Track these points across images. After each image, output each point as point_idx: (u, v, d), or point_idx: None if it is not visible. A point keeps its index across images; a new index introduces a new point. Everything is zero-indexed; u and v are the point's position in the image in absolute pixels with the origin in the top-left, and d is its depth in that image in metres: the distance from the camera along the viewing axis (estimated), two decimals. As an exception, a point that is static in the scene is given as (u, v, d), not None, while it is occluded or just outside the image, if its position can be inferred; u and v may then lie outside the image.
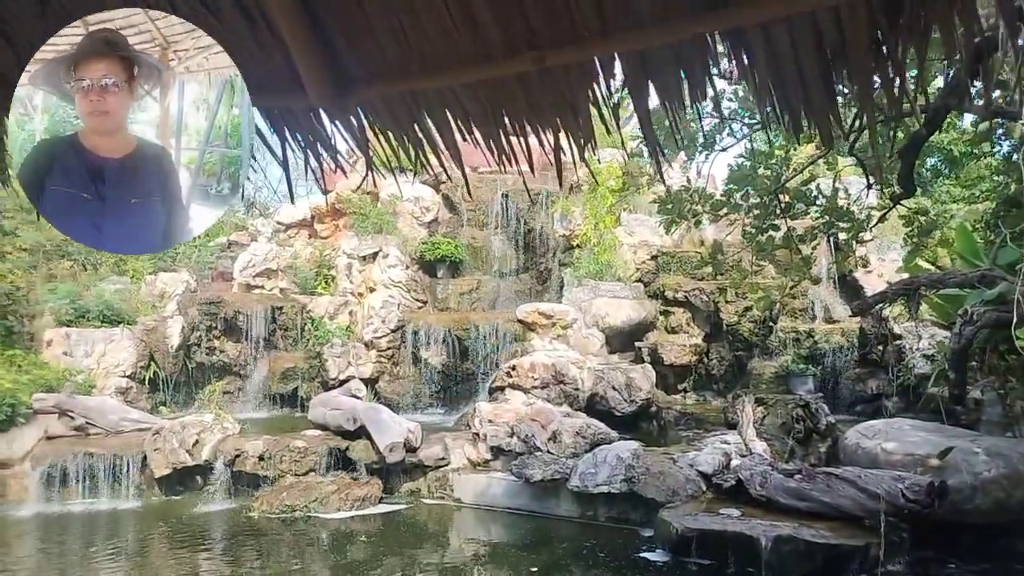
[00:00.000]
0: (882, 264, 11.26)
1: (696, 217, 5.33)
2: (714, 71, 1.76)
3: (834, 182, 5.27)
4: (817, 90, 1.67)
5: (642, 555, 6.52)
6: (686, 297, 10.20)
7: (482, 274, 12.79)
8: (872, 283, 11.01)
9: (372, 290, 11.98)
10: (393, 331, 11.39)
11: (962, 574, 5.97)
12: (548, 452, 8.10)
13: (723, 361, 10.20)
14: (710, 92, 1.76)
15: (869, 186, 4.89)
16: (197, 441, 8.67)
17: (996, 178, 6.61)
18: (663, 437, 9.05)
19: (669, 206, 5.29)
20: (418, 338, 11.15)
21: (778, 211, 4.92)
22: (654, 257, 10.94)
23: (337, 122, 2.17)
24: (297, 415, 11.32)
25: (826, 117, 1.71)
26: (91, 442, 8.85)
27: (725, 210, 5.16)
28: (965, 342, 3.74)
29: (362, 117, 2.15)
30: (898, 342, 10.08)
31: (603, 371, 9.49)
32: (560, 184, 2.87)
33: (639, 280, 10.63)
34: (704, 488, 7.20)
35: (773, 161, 4.98)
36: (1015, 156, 6.02)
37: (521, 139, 2.11)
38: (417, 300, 12.28)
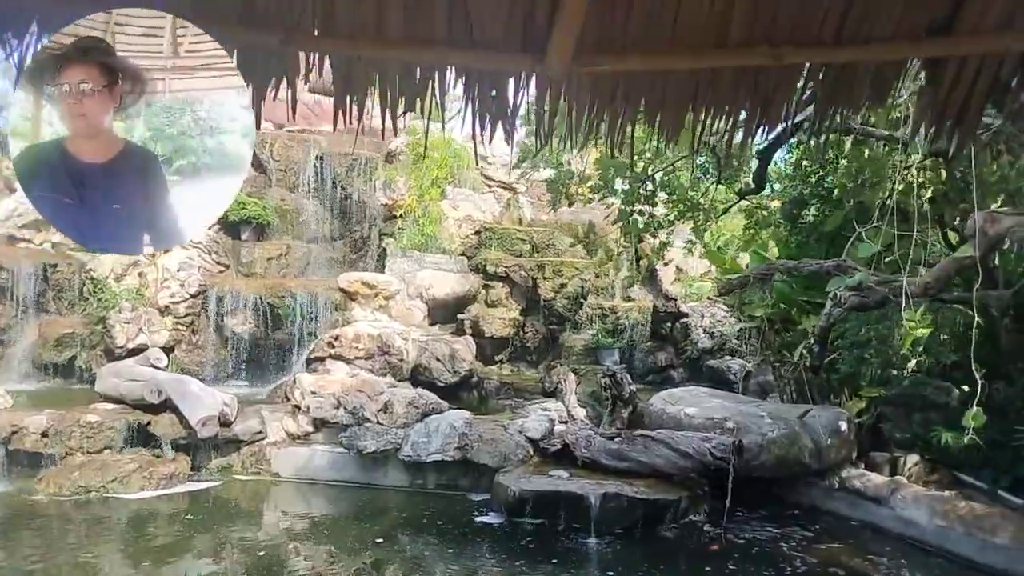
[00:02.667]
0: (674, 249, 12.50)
1: (572, 198, 5.60)
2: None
3: (692, 174, 5.83)
4: (972, 118, 1.99)
5: (478, 519, 6.76)
6: (506, 272, 10.58)
7: (292, 239, 12.16)
8: (664, 271, 12.19)
9: (167, 250, 10.89)
10: (193, 296, 10.49)
11: (747, 520, 6.92)
12: (378, 423, 8.03)
13: (537, 334, 10.75)
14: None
15: (718, 181, 5.49)
16: (-42, 417, 7.38)
17: (783, 181, 7.78)
18: (484, 406, 9.34)
19: (557, 185, 5.49)
20: (223, 305, 10.37)
21: (643, 198, 5.33)
22: (477, 232, 11.17)
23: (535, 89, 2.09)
24: (75, 387, 10.03)
25: (969, 136, 2.03)
26: None
27: (600, 193, 5.48)
28: (832, 320, 4.41)
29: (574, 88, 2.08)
30: (685, 320, 11.29)
31: (427, 342, 9.56)
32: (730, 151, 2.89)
33: (462, 254, 10.80)
34: (532, 452, 7.60)
35: (646, 153, 5.38)
36: (803, 163, 7.09)
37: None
38: (219, 264, 11.40)
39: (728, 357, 10.98)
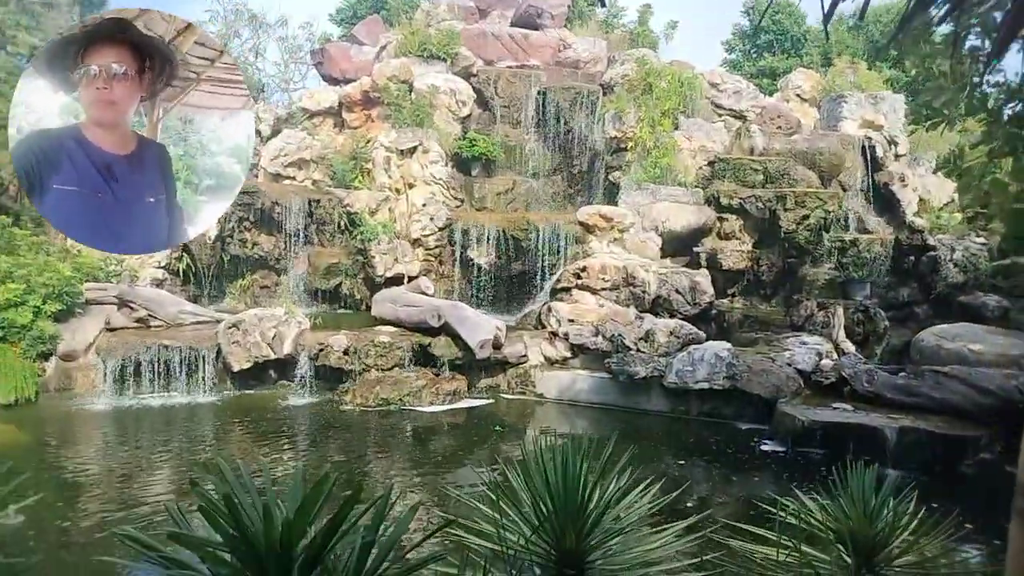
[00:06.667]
0: (916, 178, 11.74)
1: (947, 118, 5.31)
2: None
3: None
4: None
5: (761, 447, 6.90)
6: (741, 204, 10.37)
7: (515, 174, 12.55)
8: (908, 196, 11.50)
9: (411, 186, 11.59)
10: (441, 229, 11.17)
11: (1042, 462, 6.58)
12: (638, 351, 8.31)
13: (773, 267, 10.55)
14: None
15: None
16: (276, 335, 8.44)
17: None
18: (727, 338, 9.37)
19: (949, 97, 5.25)
20: (467, 237, 10.98)
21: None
22: (711, 163, 10.98)
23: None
24: (340, 311, 11.12)
25: None
26: (160, 334, 8.47)
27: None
28: None
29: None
30: (932, 253, 10.62)
31: (667, 274, 9.67)
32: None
33: (696, 186, 10.70)
34: (802, 385, 7.61)
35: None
36: None
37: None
38: (455, 199, 12.00)
39: (980, 293, 10.28)
